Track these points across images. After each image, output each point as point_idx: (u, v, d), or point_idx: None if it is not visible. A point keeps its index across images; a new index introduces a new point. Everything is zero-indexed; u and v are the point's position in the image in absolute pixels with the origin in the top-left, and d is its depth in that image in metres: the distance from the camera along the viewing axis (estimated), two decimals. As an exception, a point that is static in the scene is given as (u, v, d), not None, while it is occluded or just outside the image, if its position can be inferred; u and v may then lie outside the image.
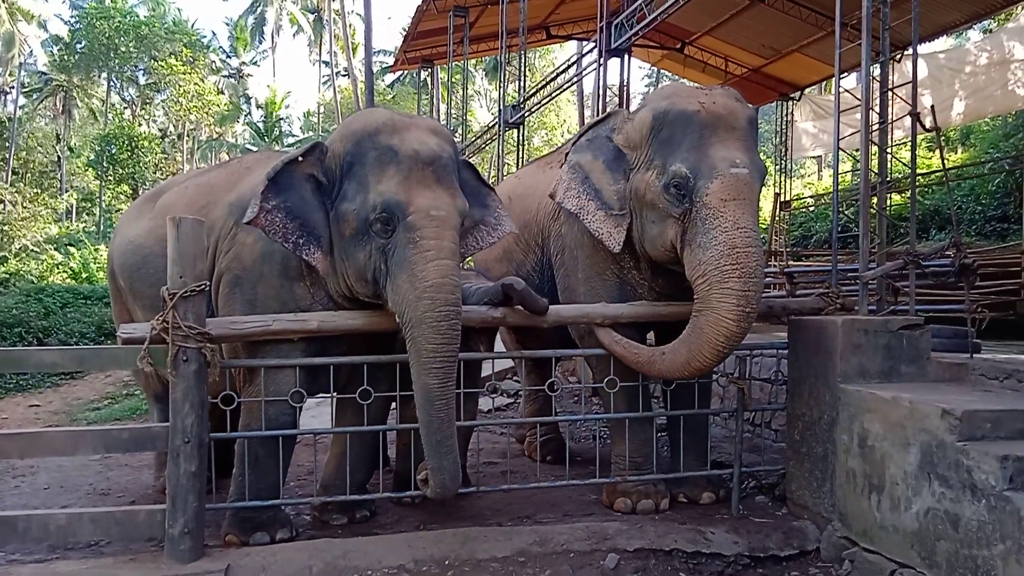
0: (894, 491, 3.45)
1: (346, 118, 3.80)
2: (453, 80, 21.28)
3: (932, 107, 4.73)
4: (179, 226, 3.25)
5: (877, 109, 4.82)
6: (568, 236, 4.52)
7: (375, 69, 30.01)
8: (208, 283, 3.41)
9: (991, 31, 13.93)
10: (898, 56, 10.39)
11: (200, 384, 3.30)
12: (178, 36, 33.33)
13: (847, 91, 5.05)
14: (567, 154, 4.26)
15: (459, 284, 3.45)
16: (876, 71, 5.00)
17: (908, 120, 5.04)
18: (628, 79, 10.61)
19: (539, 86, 14.36)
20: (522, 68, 14.04)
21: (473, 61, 27.32)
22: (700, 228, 3.62)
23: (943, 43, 13.74)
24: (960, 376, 4.04)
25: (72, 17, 35.10)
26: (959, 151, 17.63)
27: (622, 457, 4.36)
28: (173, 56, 31.49)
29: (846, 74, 8.93)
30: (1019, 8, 11.18)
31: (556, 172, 4.82)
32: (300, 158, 3.64)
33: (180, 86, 31.67)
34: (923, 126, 4.16)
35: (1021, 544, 2.84)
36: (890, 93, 4.98)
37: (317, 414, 5.68)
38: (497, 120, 14.33)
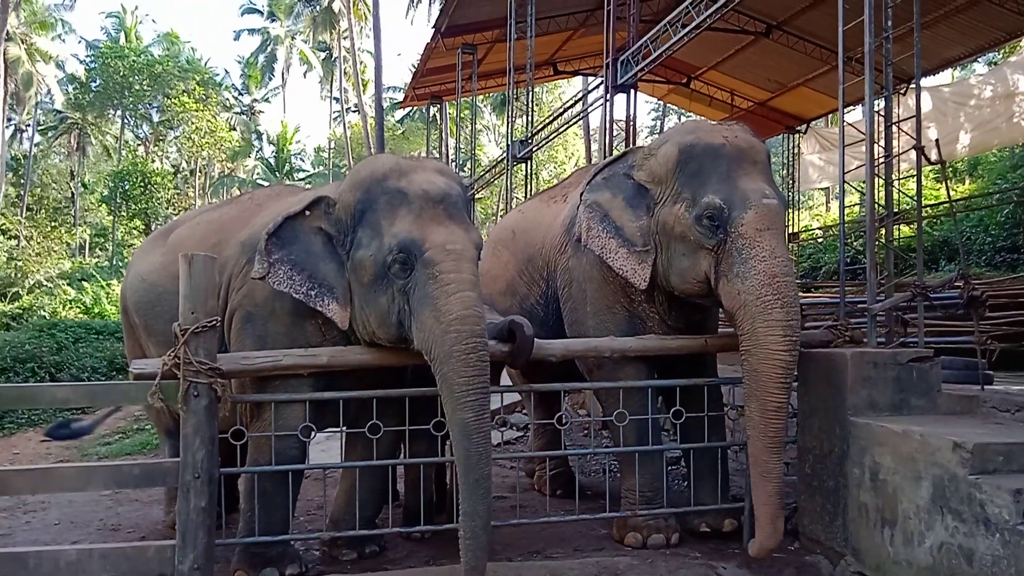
0: (907, 525, 3.43)
1: (352, 168, 3.85)
2: (462, 116, 21.51)
3: (936, 140, 4.75)
4: (191, 263, 3.29)
5: (882, 143, 4.85)
6: (576, 269, 4.54)
7: (385, 105, 30.40)
8: (220, 319, 3.44)
9: (995, 64, 14.02)
10: (904, 89, 10.48)
11: (211, 419, 3.31)
12: (191, 74, 33.83)
13: (851, 125, 5.09)
14: (582, 194, 4.26)
15: (483, 315, 3.46)
16: (881, 105, 5.04)
17: (914, 153, 5.07)
18: (635, 114, 10.70)
19: (546, 121, 14.50)
20: (529, 104, 14.18)
21: (481, 97, 27.66)
22: (737, 258, 3.66)
23: (948, 76, 13.82)
24: (971, 409, 4.02)
25: (88, 56, 35.73)
26: (967, 182, 17.65)
27: (632, 491, 4.34)
28: (186, 94, 31.94)
29: (851, 108, 9.00)
30: (1023, 41, 11.26)
31: (560, 206, 4.87)
32: (305, 211, 3.69)
33: (193, 123, 32.11)
34: (928, 159, 4.19)
35: (1036, 579, 2.81)
36: (894, 127, 5.02)
37: (327, 448, 5.68)
38: (505, 155, 14.45)
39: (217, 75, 39.36)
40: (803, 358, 4.26)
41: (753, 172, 3.84)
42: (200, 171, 36.54)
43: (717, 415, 4.37)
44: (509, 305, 5.07)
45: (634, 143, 11.46)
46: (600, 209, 4.17)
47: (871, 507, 3.65)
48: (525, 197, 15.64)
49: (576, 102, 13.47)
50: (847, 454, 3.84)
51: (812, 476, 4.15)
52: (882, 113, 4.96)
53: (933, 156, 4.49)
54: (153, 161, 35.26)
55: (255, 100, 42.93)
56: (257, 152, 41.82)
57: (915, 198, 5.56)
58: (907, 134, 4.99)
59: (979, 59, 14.20)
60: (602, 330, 4.33)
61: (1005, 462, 3.18)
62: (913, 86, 5.84)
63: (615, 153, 12.03)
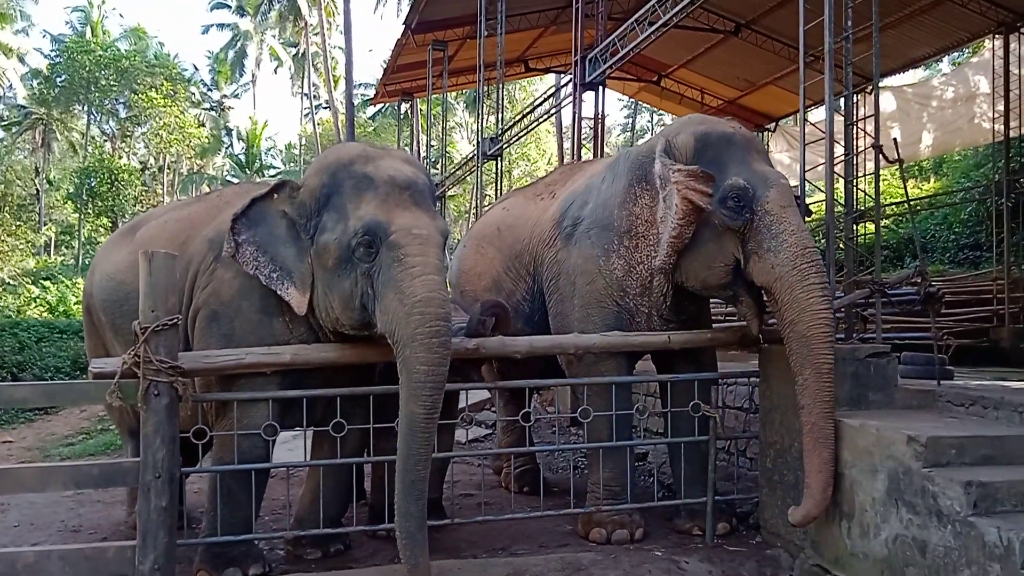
0: (863, 518, 3.49)
1: (319, 154, 3.87)
2: (433, 112, 21.46)
3: (895, 140, 4.84)
4: (151, 260, 3.26)
5: (843, 142, 4.93)
6: (565, 263, 4.55)
7: (356, 102, 30.22)
8: (180, 317, 3.41)
9: (959, 64, 14.28)
10: (869, 88, 10.63)
11: (171, 419, 3.29)
12: (159, 70, 33.35)
13: (813, 124, 5.17)
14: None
15: (448, 299, 3.45)
16: (841, 104, 5.12)
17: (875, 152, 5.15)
18: (603, 111, 10.78)
19: (517, 118, 14.52)
20: (500, 101, 14.19)
21: (454, 93, 27.63)
22: (767, 234, 3.77)
23: (913, 75, 14.04)
24: (927, 403, 4.09)
25: (52, 51, 35.12)
26: (932, 180, 17.95)
27: (597, 486, 4.38)
28: (154, 89, 31.50)
29: (815, 107, 9.13)
30: (986, 42, 11.47)
31: (548, 202, 4.90)
32: (272, 194, 3.69)
33: (161, 119, 31.67)
34: (886, 158, 4.26)
35: (986, 570, 2.88)
36: (854, 126, 5.10)
37: (293, 447, 5.65)
38: (476, 152, 14.46)
39: (185, 70, 38.84)
40: (765, 353, 4.33)
41: (760, 158, 4.08)
42: (168, 168, 36.07)
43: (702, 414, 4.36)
44: None
45: (603, 140, 11.55)
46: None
47: (830, 500, 3.71)
48: (496, 194, 15.65)
49: (546, 99, 13.50)
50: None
51: (773, 470, 4.20)
52: (842, 112, 5.04)
53: (892, 155, 4.56)
54: (120, 157, 34.68)
55: (224, 96, 42.45)
56: (227, 149, 41.36)
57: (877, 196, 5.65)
58: (868, 134, 5.08)
59: (943, 59, 14.43)
60: (588, 324, 4.35)
61: (957, 455, 3.26)
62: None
63: (583, 150, 12.16)
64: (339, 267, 3.53)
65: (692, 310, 4.40)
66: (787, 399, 4.08)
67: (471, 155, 16.61)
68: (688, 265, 4.05)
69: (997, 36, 10.46)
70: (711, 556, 3.98)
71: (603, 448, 4.32)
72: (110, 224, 29.71)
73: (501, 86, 13.94)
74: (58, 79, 33.25)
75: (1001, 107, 10.40)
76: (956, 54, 14.38)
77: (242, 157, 39.82)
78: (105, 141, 37.20)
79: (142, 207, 29.89)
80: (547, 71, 17.71)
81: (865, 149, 4.60)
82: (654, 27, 8.52)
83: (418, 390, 3.25)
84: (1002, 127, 10.47)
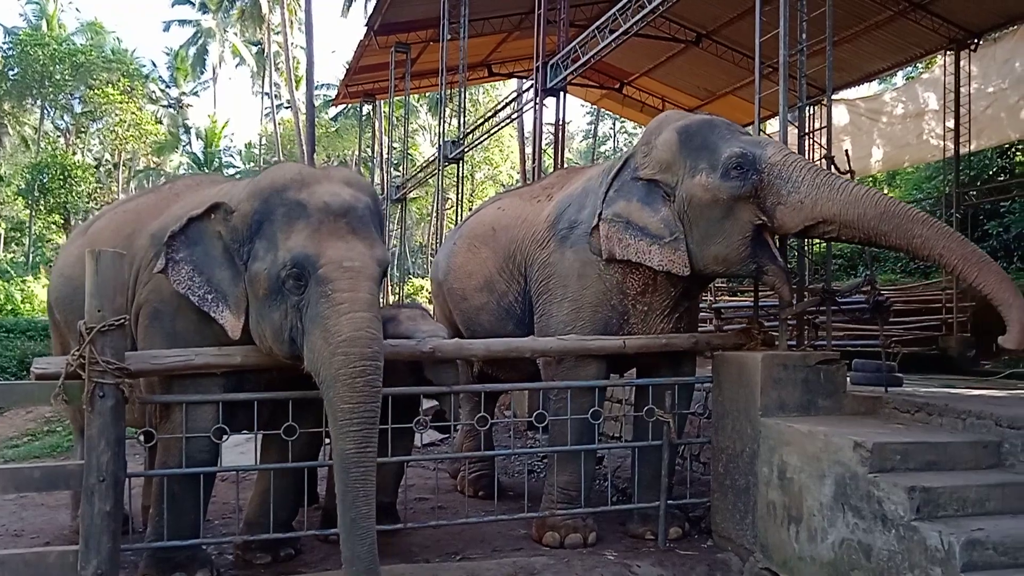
0: (811, 522, 3.55)
1: (256, 176, 3.69)
2: (396, 115, 21.37)
3: (847, 152, 4.93)
4: (97, 259, 3.18)
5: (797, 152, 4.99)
6: (559, 264, 4.54)
7: (318, 102, 29.97)
8: (127, 317, 3.32)
9: (911, 79, 14.61)
10: (824, 101, 10.82)
11: (117, 421, 3.21)
12: (116, 65, 32.69)
13: (768, 135, 5.26)
14: (599, 214, 4.26)
15: (377, 337, 3.28)
16: (795, 116, 5.20)
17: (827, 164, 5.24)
18: (564, 118, 10.83)
19: (479, 122, 14.52)
20: (462, 105, 14.17)
21: (417, 96, 27.53)
22: (781, 182, 3.91)
23: (869, 88, 14.30)
24: (875, 409, 4.17)
25: (5, 43, 34.22)
26: (886, 191, 18.35)
27: (554, 489, 4.39)
28: (110, 85, 30.87)
29: (771, 118, 9.27)
30: (938, 59, 11.74)
31: (544, 204, 4.90)
32: (208, 214, 3.56)
33: (117, 115, 31.05)
34: (839, 169, 4.34)
35: (928, 573, 2.94)
36: (808, 138, 5.18)
37: (244, 450, 5.57)
38: (437, 155, 14.43)
39: (143, 67, 38.13)
40: (717, 360, 4.38)
41: (742, 133, 4.23)
42: (124, 165, 35.38)
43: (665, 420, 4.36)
44: (486, 301, 5.06)
45: (563, 146, 11.60)
46: (620, 218, 4.20)
47: (779, 505, 3.77)
48: (458, 197, 15.63)
49: (508, 104, 13.52)
50: (757, 453, 3.95)
51: (725, 475, 4.25)
52: (796, 124, 5.12)
53: (844, 167, 4.64)
54: (74, 153, 33.92)
55: (183, 93, 41.77)
56: (184, 147, 40.70)
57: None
58: (821, 145, 5.16)
59: (897, 73, 14.74)
60: (572, 326, 4.38)
61: (902, 460, 3.33)
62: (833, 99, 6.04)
63: (544, 155, 12.21)
64: (269, 298, 3.40)
65: (686, 305, 4.50)
66: (739, 405, 4.14)
67: (433, 158, 16.56)
68: (705, 251, 4.09)
69: (949, 52, 10.72)
70: (663, 560, 4.02)
71: (563, 452, 4.34)
72: (62, 221, 29.03)
73: (464, 90, 13.92)
74: (10, 72, 32.39)
75: (950, 123, 10.65)
76: (909, 69, 14.70)
77: (200, 155, 39.19)
78: (59, 137, 36.36)
79: (96, 204, 29.28)
80: (510, 76, 17.74)
81: (820, 160, 4.68)
82: (615, 35, 8.58)
83: (344, 428, 3.12)
84: (950, 143, 10.73)
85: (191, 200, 3.92)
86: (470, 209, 20.44)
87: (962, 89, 10.42)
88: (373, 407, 3.18)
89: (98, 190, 32.07)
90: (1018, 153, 13.16)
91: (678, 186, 4.13)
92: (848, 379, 4.52)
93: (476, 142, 14.79)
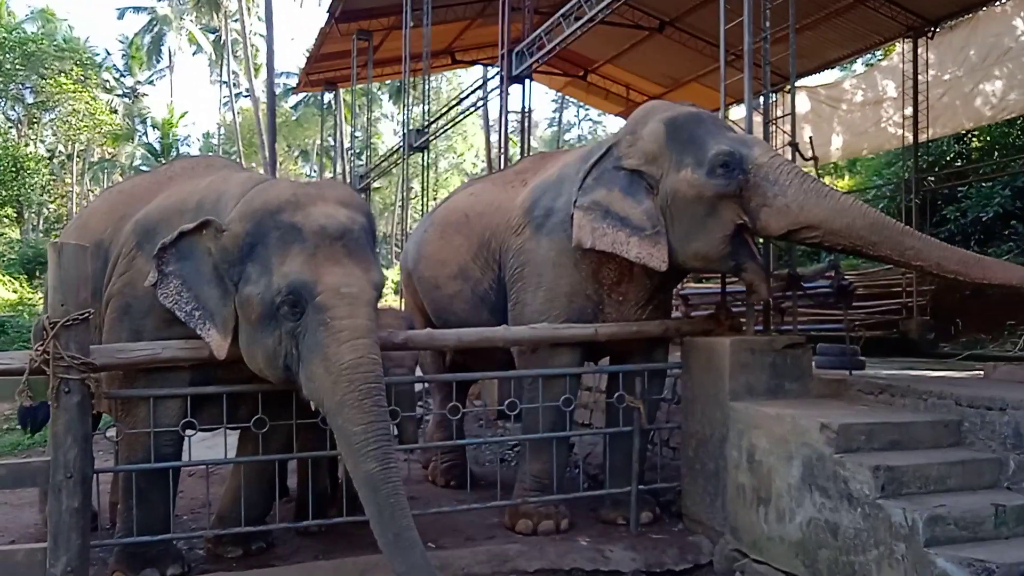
0: (780, 503, 3.61)
1: (247, 194, 3.50)
2: (358, 103, 21.18)
3: (810, 138, 5.01)
4: (60, 252, 3.12)
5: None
6: (534, 252, 4.51)
7: (278, 91, 29.56)
8: (92, 312, 3.23)
9: (871, 67, 14.82)
10: (787, 88, 10.96)
11: (84, 416, 3.16)
12: (69, 54, 31.89)
13: (733, 122, 5.30)
14: (575, 202, 4.19)
15: (379, 362, 3.20)
16: (760, 103, 5.26)
17: (791, 150, 5.32)
18: (529, 105, 10.83)
19: (443, 111, 14.44)
20: (426, 92, 14.08)
21: (379, 84, 27.29)
22: (768, 183, 3.90)
23: (831, 75, 14.48)
24: (840, 392, 4.26)
25: (-49, 31, 33.19)
26: (847, 178, 18.61)
27: (527, 477, 4.41)
28: (63, 74, 30.12)
29: (736, 105, 9.37)
30: (896, 46, 11.92)
31: (518, 190, 4.85)
32: (200, 230, 3.43)
33: (70, 105, 30.32)
34: (802, 156, 4.41)
35: (892, 549, 3.02)
36: (772, 125, 5.25)
37: (212, 445, 5.51)
38: (402, 144, 14.33)
39: (97, 55, 37.24)
40: (686, 345, 4.43)
41: (728, 130, 4.27)
42: (78, 156, 34.59)
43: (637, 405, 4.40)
44: (460, 289, 5.02)
45: (530, 134, 11.59)
46: (599, 207, 4.14)
47: (748, 487, 3.83)
48: (423, 187, 15.55)
49: (473, 92, 13.47)
50: (727, 437, 4.01)
51: (695, 459, 4.31)
52: (761, 111, 5.19)
53: (808, 154, 4.73)
54: (27, 145, 33.00)
55: (138, 82, 40.90)
56: (141, 137, 39.88)
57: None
58: (785, 132, 5.24)
59: (857, 60, 14.94)
60: (546, 315, 4.37)
61: (867, 441, 3.41)
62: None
63: (510, 143, 12.19)
64: (262, 322, 3.30)
65: (660, 298, 4.53)
66: (708, 389, 4.19)
67: (396, 147, 16.45)
68: (686, 247, 4.09)
69: (907, 40, 10.91)
70: (635, 544, 4.07)
71: (536, 440, 4.36)
72: (15, 214, 28.32)
73: (427, 78, 13.82)
74: (-43, 61, 31.46)
75: (908, 111, 10.85)
76: (869, 56, 14.90)
77: (156, 145, 38.45)
78: (10, 127, 35.40)
79: (49, 196, 28.63)
80: (474, 63, 17.62)
81: (783, 147, 4.75)
82: (580, 22, 8.58)
83: (362, 449, 3.02)
84: (907, 131, 10.93)
85: (183, 188, 3.85)
86: (435, 199, 20.37)
87: (920, 77, 10.62)
88: (386, 425, 3.12)
89: (52, 182, 31.33)
90: (974, 139, 13.44)
91: (663, 179, 4.11)
92: (813, 363, 4.60)
93: (441, 130, 14.71)
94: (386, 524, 2.98)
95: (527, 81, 10.49)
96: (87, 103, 30.65)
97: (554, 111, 36.85)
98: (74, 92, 29.82)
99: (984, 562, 2.79)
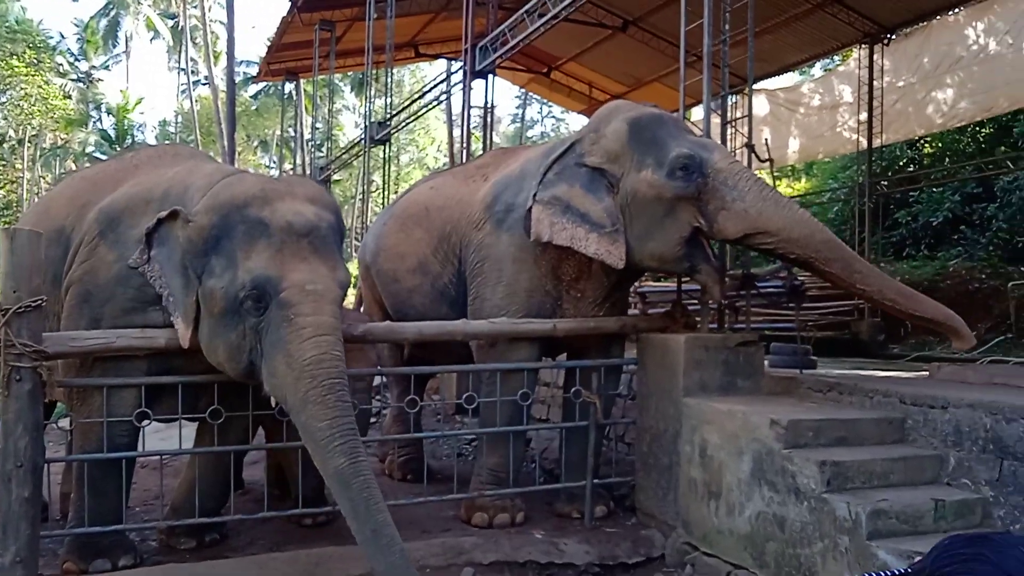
0: (730, 497, 3.70)
1: (213, 187, 3.48)
2: (319, 94, 20.97)
3: (766, 140, 5.11)
4: (13, 238, 3.08)
5: (719, 140, 5.16)
6: (495, 247, 4.53)
7: (237, 79, 29.10)
8: (45, 299, 3.19)
9: (829, 71, 15.11)
10: (746, 90, 11.12)
11: (35, 405, 3.12)
12: (21, 36, 31.09)
13: (692, 123, 5.39)
14: (534, 195, 4.19)
15: (342, 358, 3.21)
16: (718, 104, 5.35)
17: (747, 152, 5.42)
18: (492, 100, 10.85)
19: (405, 104, 14.39)
20: (388, 85, 14.01)
21: (341, 75, 27.05)
22: (726, 188, 3.97)
23: (790, 79, 14.72)
24: (790, 390, 4.36)
25: (-103, 10, 32.12)
26: (803, 180, 18.95)
27: (483, 471, 4.45)
28: (15, 57, 29.34)
29: (695, 106, 9.49)
30: (853, 51, 12.16)
31: (479, 184, 4.86)
32: (172, 217, 3.40)
33: (22, 88, 29.56)
34: (759, 157, 4.50)
35: (836, 542, 3.12)
36: (731, 126, 5.35)
37: (165, 436, 5.45)
38: (363, 136, 14.24)
39: (51, 38, 36.39)
40: (642, 342, 4.50)
41: (689, 133, 4.35)
42: (29, 141, 33.72)
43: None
44: (419, 283, 5.01)
45: (492, 129, 11.61)
46: (560, 202, 4.16)
47: (700, 481, 3.91)
48: (384, 180, 15.48)
49: (436, 86, 13.43)
50: (680, 432, 4.09)
51: (649, 454, 4.38)
52: (719, 112, 5.28)
53: (764, 155, 4.82)
54: (-25, 129, 32.18)
55: (93, 67, 39.97)
56: (95, 123, 39.00)
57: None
58: (742, 134, 5.33)
59: (815, 64, 15.22)
60: (506, 310, 4.39)
61: (815, 437, 3.51)
62: (755, 88, 6.24)
63: (473, 138, 12.20)
64: (225, 316, 3.28)
65: (617, 296, 4.60)
66: (662, 385, 4.26)
67: (358, 139, 16.33)
68: (643, 246, 4.13)
69: (864, 46, 11.14)
70: (589, 538, 4.13)
71: (493, 435, 4.39)
72: (-37, 199, 27.55)
73: (390, 70, 13.75)
74: (-97, 41, 30.48)
75: (863, 116, 11.09)
76: (827, 61, 15.19)
77: (111, 132, 37.63)
78: (-41, 111, 34.41)
79: (1, 182, 27.89)
80: (437, 57, 17.54)
81: (740, 148, 4.84)
82: (544, 19, 8.62)
83: (328, 444, 3.02)
84: (862, 136, 11.17)
85: (148, 177, 3.81)
86: (396, 192, 20.27)
87: (875, 83, 10.86)
88: (351, 420, 3.10)
89: (2, 167, 30.55)
90: (926, 145, 13.79)
91: (624, 178, 4.16)
92: (766, 361, 4.71)
93: (403, 124, 14.65)
94: (362, 520, 2.98)
95: (490, 76, 10.52)
96: (40, 87, 29.95)
97: (517, 107, 36.87)
98: (26, 76, 29.12)
99: (923, 555, 2.89)
